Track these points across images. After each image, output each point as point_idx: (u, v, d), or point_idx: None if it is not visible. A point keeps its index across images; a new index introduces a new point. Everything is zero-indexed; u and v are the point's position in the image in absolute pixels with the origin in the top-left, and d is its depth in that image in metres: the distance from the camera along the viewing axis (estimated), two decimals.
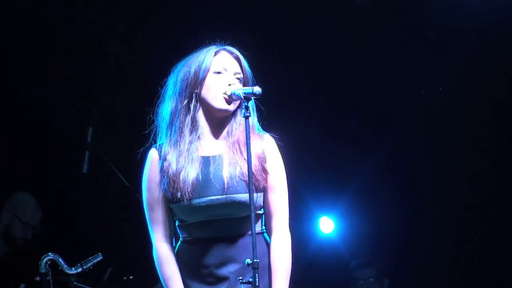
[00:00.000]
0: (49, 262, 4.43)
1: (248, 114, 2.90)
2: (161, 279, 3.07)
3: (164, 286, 3.07)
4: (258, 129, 3.13)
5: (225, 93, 3.01)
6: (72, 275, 4.50)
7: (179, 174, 2.99)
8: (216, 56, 3.08)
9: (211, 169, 3.01)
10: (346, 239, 6.67)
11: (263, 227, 3.11)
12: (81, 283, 4.62)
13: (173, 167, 3.00)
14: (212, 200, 2.97)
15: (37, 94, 5.53)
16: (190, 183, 2.97)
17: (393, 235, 6.36)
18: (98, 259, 4.59)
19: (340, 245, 6.68)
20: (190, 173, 2.98)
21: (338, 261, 6.62)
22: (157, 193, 3.05)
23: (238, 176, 2.98)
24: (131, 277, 5.43)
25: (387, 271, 6.33)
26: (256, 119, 3.13)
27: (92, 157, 5.23)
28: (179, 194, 2.97)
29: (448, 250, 6.26)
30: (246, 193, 2.94)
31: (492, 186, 6.18)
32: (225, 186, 2.97)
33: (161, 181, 3.03)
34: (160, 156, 3.06)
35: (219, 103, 3.03)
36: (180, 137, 3.05)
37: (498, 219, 6.16)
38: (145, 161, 3.12)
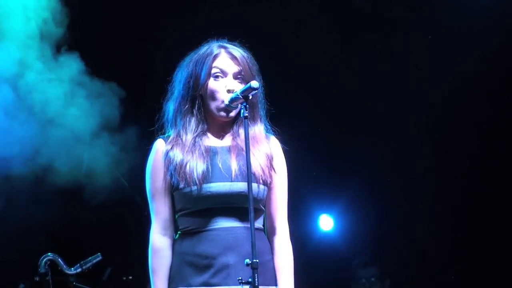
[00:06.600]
0: (49, 262, 4.43)
1: (246, 114, 2.90)
2: (149, 269, 3.07)
3: (150, 277, 3.06)
4: (265, 130, 3.14)
5: (223, 103, 3.02)
6: (72, 275, 4.50)
7: (187, 161, 3.00)
8: (216, 60, 3.08)
9: (219, 158, 3.03)
10: (345, 237, 6.68)
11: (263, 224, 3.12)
12: (80, 283, 4.61)
13: (180, 155, 3.02)
14: (219, 186, 2.97)
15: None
16: (199, 169, 2.98)
17: (392, 233, 6.36)
18: (98, 259, 4.59)
19: (339, 242, 6.69)
20: (199, 160, 3.00)
21: (337, 258, 6.62)
22: (160, 183, 3.05)
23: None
24: (130, 277, 5.43)
25: (388, 270, 6.32)
26: (262, 124, 3.13)
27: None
28: (186, 180, 2.97)
29: (448, 251, 6.26)
30: (254, 182, 2.96)
31: (493, 188, 6.18)
32: (233, 174, 2.98)
33: (166, 169, 3.03)
34: (165, 145, 3.07)
35: (219, 111, 3.05)
36: (186, 131, 3.06)
37: (499, 221, 6.16)
38: (150, 151, 3.13)
